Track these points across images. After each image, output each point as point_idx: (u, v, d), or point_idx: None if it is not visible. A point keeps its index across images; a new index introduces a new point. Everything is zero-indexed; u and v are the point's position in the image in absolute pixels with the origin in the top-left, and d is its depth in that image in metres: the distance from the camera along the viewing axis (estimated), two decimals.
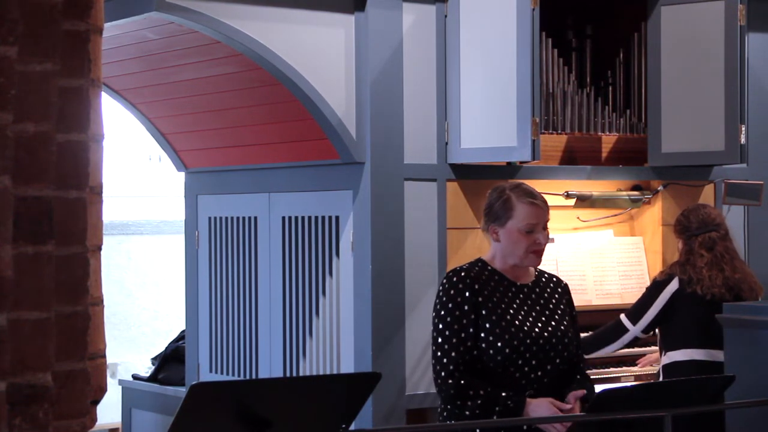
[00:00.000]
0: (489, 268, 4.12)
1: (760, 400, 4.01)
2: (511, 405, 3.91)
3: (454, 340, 4.00)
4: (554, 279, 4.25)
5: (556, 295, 4.18)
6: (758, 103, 6.43)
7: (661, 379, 5.46)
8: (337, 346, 5.67)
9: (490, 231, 4.13)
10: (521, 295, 4.11)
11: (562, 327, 4.10)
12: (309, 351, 5.84)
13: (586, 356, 5.53)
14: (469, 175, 5.59)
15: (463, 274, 4.07)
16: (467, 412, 3.95)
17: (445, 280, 4.10)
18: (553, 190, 5.90)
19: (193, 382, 3.63)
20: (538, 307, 4.10)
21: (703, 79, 6.00)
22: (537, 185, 5.81)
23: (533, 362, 4.02)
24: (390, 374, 5.34)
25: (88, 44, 2.43)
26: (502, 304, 4.05)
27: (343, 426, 3.39)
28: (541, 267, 4.23)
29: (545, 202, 4.15)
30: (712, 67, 5.97)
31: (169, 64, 5.84)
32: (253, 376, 6.15)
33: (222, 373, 6.43)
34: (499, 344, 3.98)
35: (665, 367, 5.41)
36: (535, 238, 4.07)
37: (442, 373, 4.00)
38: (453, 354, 3.99)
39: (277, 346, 6.03)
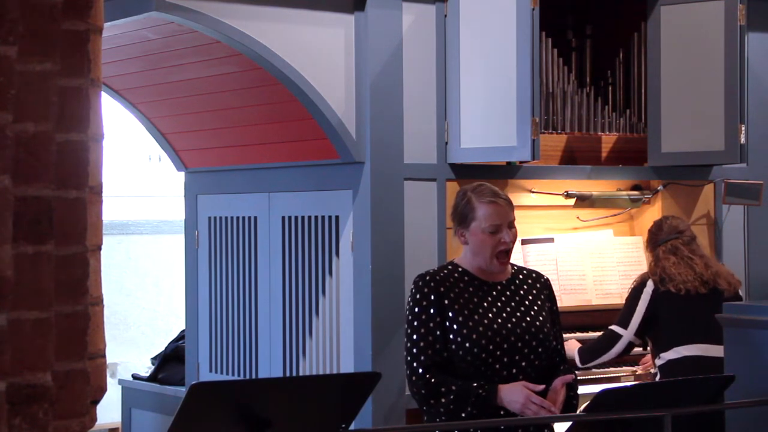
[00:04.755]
0: (460, 269, 4.15)
1: (760, 400, 4.01)
2: (483, 394, 3.93)
3: (422, 344, 4.04)
4: (533, 275, 4.26)
5: (534, 291, 4.19)
6: (758, 103, 6.43)
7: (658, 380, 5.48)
8: (337, 346, 5.67)
9: (457, 234, 4.16)
10: (494, 293, 4.12)
11: (537, 323, 4.10)
12: (309, 351, 5.84)
13: (583, 367, 5.57)
14: (469, 175, 5.59)
15: (428, 277, 4.11)
16: (442, 409, 3.97)
17: (412, 285, 4.13)
18: (553, 190, 5.91)
19: (193, 382, 3.62)
20: (512, 305, 4.11)
21: (703, 79, 6.00)
22: (537, 185, 5.86)
23: (505, 359, 4.02)
24: (390, 374, 5.34)
25: (88, 44, 2.43)
26: (470, 303, 4.06)
27: (343, 426, 3.39)
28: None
29: (508, 200, 4.15)
30: (712, 67, 5.97)
31: (169, 64, 5.84)
32: (253, 376, 6.15)
33: (222, 373, 6.43)
34: (467, 344, 4.00)
35: (661, 367, 5.42)
36: (500, 237, 4.08)
37: (413, 377, 4.05)
38: (422, 357, 4.02)
39: (277, 346, 6.03)
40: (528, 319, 4.09)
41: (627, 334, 5.47)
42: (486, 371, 4.01)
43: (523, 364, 4.04)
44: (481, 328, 4.01)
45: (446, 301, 4.05)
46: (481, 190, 4.13)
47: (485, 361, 4.00)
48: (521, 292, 4.16)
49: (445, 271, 4.15)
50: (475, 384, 3.95)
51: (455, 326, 4.02)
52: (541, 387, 3.96)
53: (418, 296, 4.08)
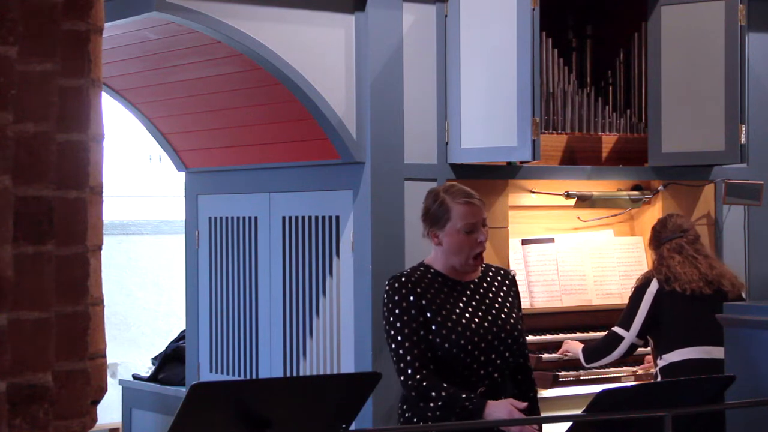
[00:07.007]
0: (432, 270, 4.18)
1: (760, 400, 4.01)
2: (470, 407, 3.97)
3: (407, 344, 4.06)
4: (501, 272, 4.31)
5: (504, 288, 4.25)
6: (758, 103, 6.43)
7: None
8: (337, 346, 5.67)
9: (430, 236, 4.18)
10: (468, 292, 4.17)
11: (512, 320, 4.17)
12: (309, 351, 5.84)
13: (588, 366, 5.58)
14: (470, 175, 5.59)
15: (403, 279, 4.13)
16: (429, 414, 4.03)
17: (387, 287, 4.15)
18: (553, 190, 5.91)
19: (193, 382, 3.62)
20: (486, 303, 4.17)
21: (703, 79, 6.00)
22: (537, 185, 5.86)
23: (482, 358, 4.08)
24: (390, 374, 5.33)
25: (88, 44, 2.43)
26: (447, 304, 4.10)
27: (343, 426, 3.39)
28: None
29: (481, 200, 4.18)
30: (712, 67, 5.97)
31: (169, 64, 5.84)
32: (253, 376, 6.15)
33: (222, 373, 6.43)
34: (447, 344, 4.05)
35: (662, 369, 5.40)
36: (476, 237, 4.11)
37: (401, 377, 4.08)
38: (409, 358, 4.05)
39: (277, 346, 6.03)
40: (503, 316, 4.16)
41: (629, 336, 5.44)
42: (463, 371, 4.07)
43: (498, 361, 4.11)
44: (459, 328, 4.07)
45: (424, 302, 4.09)
46: (455, 191, 4.16)
47: (463, 360, 4.06)
48: (493, 289, 4.22)
49: (418, 273, 4.17)
50: (464, 395, 3.99)
51: (434, 327, 4.07)
52: (525, 405, 4.01)
53: (396, 298, 4.10)
